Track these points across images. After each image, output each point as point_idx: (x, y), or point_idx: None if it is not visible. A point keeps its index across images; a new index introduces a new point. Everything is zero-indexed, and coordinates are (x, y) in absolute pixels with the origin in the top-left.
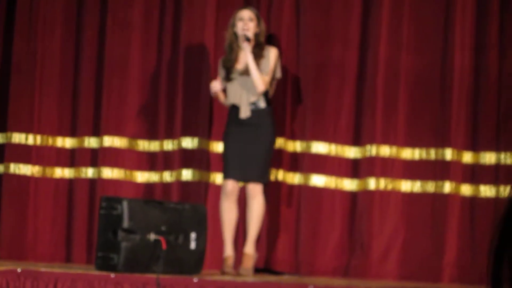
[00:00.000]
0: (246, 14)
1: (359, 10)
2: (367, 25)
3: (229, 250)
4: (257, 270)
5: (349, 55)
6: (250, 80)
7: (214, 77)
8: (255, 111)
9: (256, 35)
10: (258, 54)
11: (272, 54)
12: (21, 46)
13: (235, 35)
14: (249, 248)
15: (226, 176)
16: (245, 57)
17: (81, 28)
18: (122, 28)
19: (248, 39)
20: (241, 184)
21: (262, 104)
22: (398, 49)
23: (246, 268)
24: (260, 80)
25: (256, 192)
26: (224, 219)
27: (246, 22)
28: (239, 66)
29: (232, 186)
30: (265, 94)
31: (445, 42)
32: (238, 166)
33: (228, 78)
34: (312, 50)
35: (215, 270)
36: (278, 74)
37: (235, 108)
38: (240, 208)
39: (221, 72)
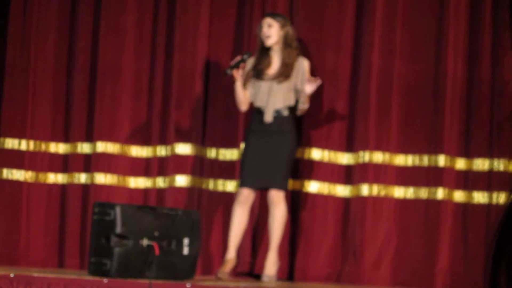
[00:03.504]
0: (265, 21)
1: (352, 17)
2: (360, 32)
3: (231, 253)
4: (251, 275)
5: (342, 62)
6: (279, 87)
7: (207, 82)
8: (278, 118)
9: (285, 38)
10: (290, 60)
11: (306, 67)
12: (14, 51)
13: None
14: (272, 255)
15: (242, 184)
16: (306, 91)
17: (75, 33)
18: (115, 34)
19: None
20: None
21: (285, 111)
22: (391, 56)
23: (269, 275)
24: (308, 99)
25: (279, 199)
26: (233, 222)
27: (265, 31)
28: (271, 71)
29: (247, 194)
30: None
31: (438, 49)
32: (256, 174)
33: (258, 77)
34: (305, 56)
35: (208, 276)
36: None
37: (258, 113)
38: (251, 216)
39: (249, 71)
